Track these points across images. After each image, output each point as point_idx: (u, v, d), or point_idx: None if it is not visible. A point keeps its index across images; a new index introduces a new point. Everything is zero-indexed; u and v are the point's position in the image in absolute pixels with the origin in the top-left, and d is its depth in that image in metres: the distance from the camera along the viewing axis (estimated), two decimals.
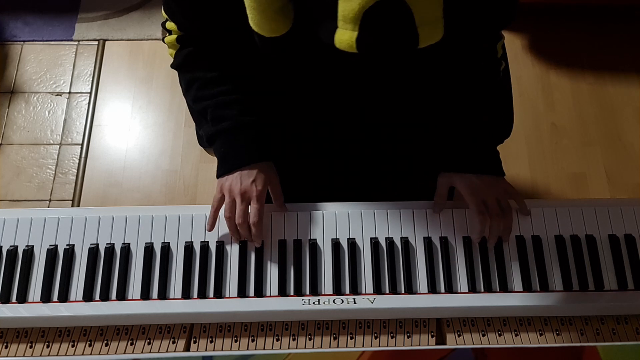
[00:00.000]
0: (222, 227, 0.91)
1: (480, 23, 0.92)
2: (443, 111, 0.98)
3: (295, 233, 0.92)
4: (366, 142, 1.07)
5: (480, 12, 0.87)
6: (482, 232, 0.90)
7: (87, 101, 1.90)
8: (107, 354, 0.85)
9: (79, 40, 1.99)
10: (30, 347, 0.86)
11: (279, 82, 1.01)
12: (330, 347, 0.85)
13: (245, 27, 0.79)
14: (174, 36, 0.94)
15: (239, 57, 0.96)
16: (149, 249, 0.90)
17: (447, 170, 0.94)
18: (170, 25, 0.94)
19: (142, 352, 0.85)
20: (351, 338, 0.86)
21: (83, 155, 1.81)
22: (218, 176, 0.93)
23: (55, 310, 0.87)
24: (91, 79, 1.93)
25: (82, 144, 1.83)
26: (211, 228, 0.91)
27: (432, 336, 0.86)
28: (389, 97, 1.05)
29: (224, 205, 0.91)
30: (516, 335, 0.86)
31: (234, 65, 0.96)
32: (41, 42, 1.99)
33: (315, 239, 0.91)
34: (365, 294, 0.87)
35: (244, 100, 0.93)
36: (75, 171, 1.79)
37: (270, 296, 0.87)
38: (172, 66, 0.98)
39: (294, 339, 0.86)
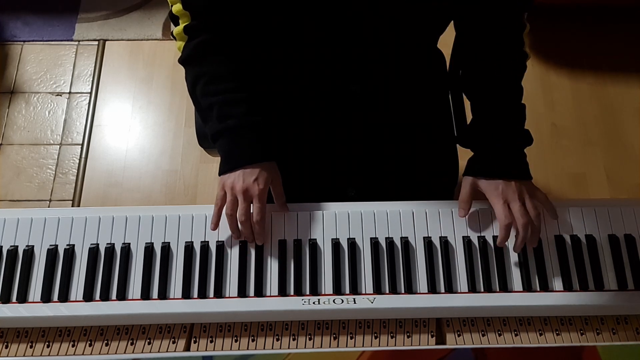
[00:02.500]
0: (222, 227, 0.91)
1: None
2: (474, 106, 0.95)
3: (295, 233, 0.92)
4: (368, 142, 1.07)
5: None
6: (507, 238, 0.88)
7: (87, 101, 1.90)
8: (107, 353, 0.85)
9: (79, 40, 1.99)
10: (31, 347, 0.86)
11: (284, 76, 1.01)
12: (330, 347, 0.85)
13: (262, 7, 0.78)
14: (182, 26, 0.93)
15: (249, 47, 0.95)
16: (149, 249, 0.90)
17: (473, 174, 0.92)
18: (179, 11, 0.92)
19: (142, 352, 0.85)
20: (351, 338, 0.86)
21: (83, 155, 1.81)
22: (220, 174, 0.92)
23: (55, 310, 0.87)
24: (91, 79, 1.93)
25: (82, 144, 1.83)
26: (215, 227, 0.91)
27: (432, 336, 0.86)
28: (391, 97, 1.05)
29: (226, 203, 0.91)
30: (516, 335, 0.86)
31: (243, 58, 0.95)
32: (41, 42, 1.99)
33: (315, 239, 0.91)
34: (365, 294, 0.87)
35: (251, 99, 0.93)
36: (76, 171, 1.79)
37: (270, 296, 0.87)
38: (180, 60, 0.96)
39: (294, 339, 0.86)
